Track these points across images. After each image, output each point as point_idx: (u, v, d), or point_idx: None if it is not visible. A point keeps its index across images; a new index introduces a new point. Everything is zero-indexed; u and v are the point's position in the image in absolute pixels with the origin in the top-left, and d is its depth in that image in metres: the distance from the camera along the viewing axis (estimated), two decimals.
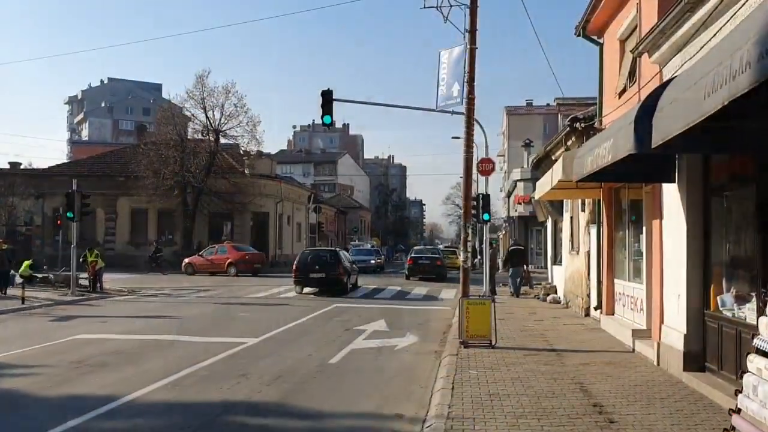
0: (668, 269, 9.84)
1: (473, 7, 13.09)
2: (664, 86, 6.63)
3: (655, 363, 10.14)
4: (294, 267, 25.21)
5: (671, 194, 9.63)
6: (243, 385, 9.10)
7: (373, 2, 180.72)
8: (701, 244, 9.03)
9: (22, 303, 19.26)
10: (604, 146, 7.97)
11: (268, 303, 20.99)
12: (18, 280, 22.84)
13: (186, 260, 37.05)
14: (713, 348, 8.57)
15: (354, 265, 28.88)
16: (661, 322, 10.05)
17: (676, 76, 6.77)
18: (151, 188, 40.49)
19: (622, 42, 13.60)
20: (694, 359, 8.93)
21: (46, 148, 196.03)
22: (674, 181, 9.42)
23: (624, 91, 13.03)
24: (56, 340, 12.97)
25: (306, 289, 24.88)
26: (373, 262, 43.50)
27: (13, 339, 13.26)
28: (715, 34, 7.68)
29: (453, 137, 45.45)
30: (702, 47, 8.11)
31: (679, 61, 9.07)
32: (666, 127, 5.70)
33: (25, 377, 9.55)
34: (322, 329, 14.86)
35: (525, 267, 24.36)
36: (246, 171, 43.93)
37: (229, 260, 35.87)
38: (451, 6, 13.45)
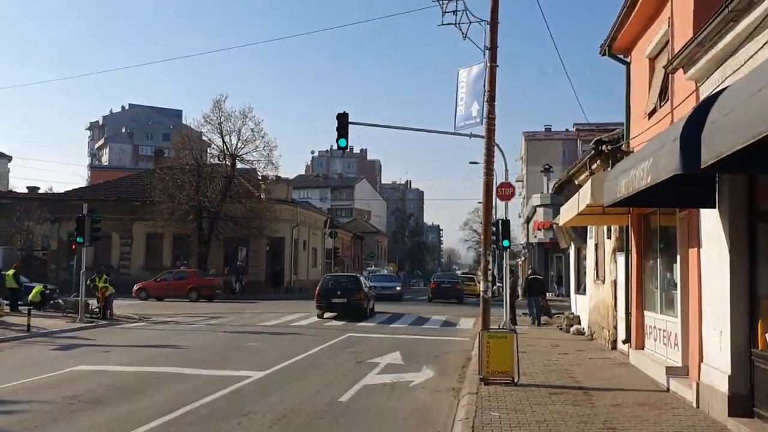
0: (708, 303, 8.99)
1: (493, 23, 12.45)
2: (713, 98, 5.88)
3: (695, 405, 9.25)
4: (316, 292, 26.03)
5: (711, 220, 8.81)
6: (243, 427, 8.34)
7: (390, 22, 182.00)
8: (746, 275, 8.19)
9: (28, 330, 18.67)
10: (641, 167, 7.20)
11: (279, 332, 20.24)
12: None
13: (138, 285, 36.70)
14: (763, 392, 7.69)
15: (372, 290, 29.28)
16: (701, 360, 9.18)
17: (729, 86, 6.01)
18: (167, 213, 40.18)
19: (651, 60, 12.89)
20: (741, 403, 8.04)
21: (67, 173, 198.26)
22: (714, 206, 8.61)
23: (654, 111, 12.28)
24: (54, 371, 12.28)
25: (326, 314, 25.42)
26: (398, 288, 41.55)
27: (9, 370, 12.62)
28: (764, 45, 6.94)
29: (470, 162, 45.08)
30: (747, 60, 7.37)
31: (719, 76, 8.32)
32: (720, 142, 4.95)
33: (10, 415, 8.85)
34: (333, 362, 14.06)
35: (543, 296, 24.44)
36: (262, 196, 43.52)
37: (190, 286, 35.89)
38: (470, 22, 12.84)
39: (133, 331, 20.49)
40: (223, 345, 16.90)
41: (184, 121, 75.57)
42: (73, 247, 34.58)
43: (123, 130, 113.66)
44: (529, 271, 25.57)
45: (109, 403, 9.64)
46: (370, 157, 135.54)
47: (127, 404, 9.59)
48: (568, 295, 30.37)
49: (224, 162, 42.67)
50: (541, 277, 25.95)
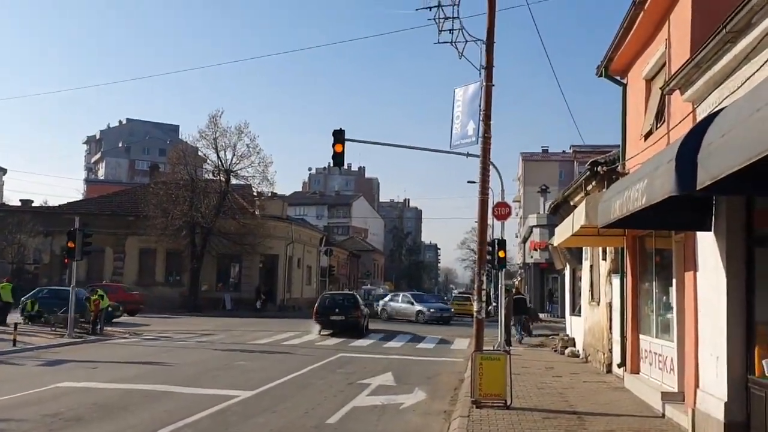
0: (704, 328, 8.85)
1: (489, 43, 12.42)
2: (709, 119, 5.80)
3: None
4: (315, 310, 27.11)
5: (707, 244, 8.70)
6: None
7: (388, 40, 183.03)
8: (743, 300, 8.05)
9: (14, 345, 18.42)
10: (636, 188, 7.11)
11: (271, 351, 20.01)
12: None
13: None
14: (759, 420, 7.53)
15: (367, 309, 30.02)
16: (696, 386, 9.02)
17: (726, 107, 5.93)
18: (160, 228, 40.00)
19: (648, 81, 12.85)
20: (737, 431, 7.88)
21: (63, 187, 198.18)
22: (711, 229, 8.51)
23: (650, 133, 12.22)
24: (37, 388, 12.07)
25: (324, 331, 26.35)
26: (452, 310, 39.44)
27: None
28: (761, 67, 6.87)
29: (468, 181, 45.04)
30: (744, 82, 7.30)
31: (716, 98, 8.25)
32: (716, 164, 4.86)
33: None
34: (323, 382, 13.85)
35: (527, 315, 25.77)
36: (256, 212, 43.38)
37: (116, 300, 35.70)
38: (466, 41, 12.78)
39: (122, 347, 20.25)
40: (212, 363, 16.68)
41: (180, 136, 75.69)
42: (66, 260, 34.46)
43: (120, 145, 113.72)
44: (513, 291, 25.86)
45: (90, 422, 9.43)
46: (368, 174, 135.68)
47: (109, 423, 9.38)
48: (563, 316, 30.25)
49: (219, 177, 42.56)
50: (524, 297, 27.29)
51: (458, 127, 13.32)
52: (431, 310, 37.33)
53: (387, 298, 41.35)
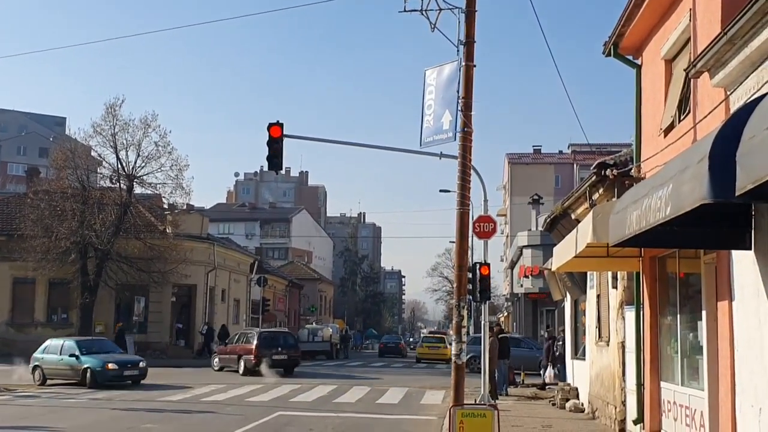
0: (743, 371, 9.03)
1: (470, 11, 12.55)
2: (749, 108, 5.93)
3: None
4: (255, 347, 31.45)
5: (745, 266, 8.88)
6: None
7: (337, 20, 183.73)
8: None
9: None
10: (658, 196, 7.22)
11: (187, 410, 19.79)
12: None
13: None
14: None
15: None
16: None
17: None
18: (41, 251, 39.29)
19: (668, 62, 13.14)
20: None
21: None
22: (750, 248, 8.68)
23: (672, 126, 12.48)
24: None
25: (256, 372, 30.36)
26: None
27: None
28: None
29: (441, 190, 45.35)
30: None
31: (753, 82, 8.46)
32: (761, 163, 4.95)
33: None
34: None
35: (507, 360, 25.82)
36: (168, 230, 42.92)
37: None
38: (440, 9, 12.88)
39: None
40: (110, 427, 16.48)
41: (68, 131, 74.54)
42: None
43: None
44: (496, 328, 26.08)
45: None
46: (312, 181, 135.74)
47: None
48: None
49: (118, 185, 42.01)
50: (507, 335, 28.56)
51: (430, 120, 13.40)
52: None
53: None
